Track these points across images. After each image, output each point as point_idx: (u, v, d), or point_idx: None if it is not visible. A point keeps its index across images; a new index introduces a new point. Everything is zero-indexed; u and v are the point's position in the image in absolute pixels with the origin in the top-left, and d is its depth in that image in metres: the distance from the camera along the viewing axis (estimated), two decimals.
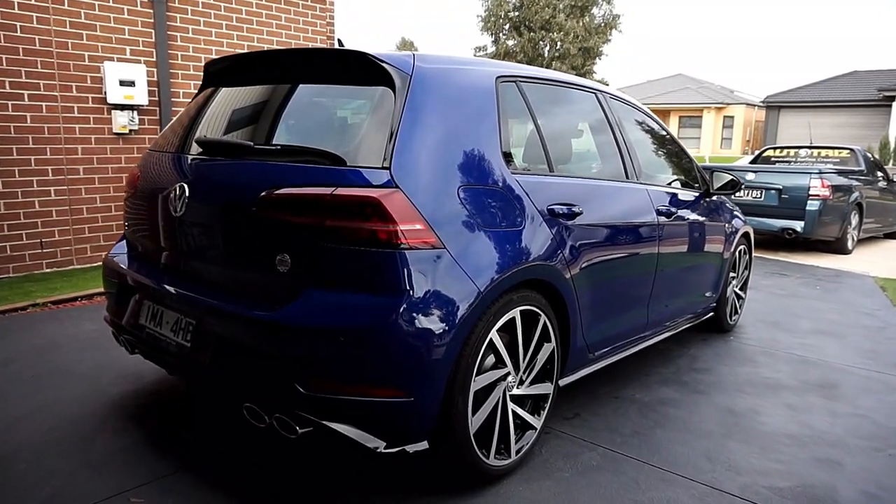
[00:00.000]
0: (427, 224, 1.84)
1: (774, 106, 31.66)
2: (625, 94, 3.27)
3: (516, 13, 29.90)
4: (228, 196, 2.03)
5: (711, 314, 4.03)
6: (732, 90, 38.11)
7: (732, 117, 35.27)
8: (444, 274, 1.86)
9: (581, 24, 27.65)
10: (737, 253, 4.14)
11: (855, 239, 8.36)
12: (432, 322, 1.82)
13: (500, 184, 2.12)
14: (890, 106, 27.34)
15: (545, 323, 2.27)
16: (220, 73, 2.53)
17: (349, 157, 1.88)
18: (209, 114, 2.44)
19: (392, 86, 1.96)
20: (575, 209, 2.39)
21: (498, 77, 2.31)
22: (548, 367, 2.36)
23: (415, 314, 1.80)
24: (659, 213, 3.02)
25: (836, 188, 7.71)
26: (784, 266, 7.14)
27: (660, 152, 3.62)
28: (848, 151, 9.25)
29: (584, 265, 2.43)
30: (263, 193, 1.89)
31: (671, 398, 3.04)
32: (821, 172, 7.67)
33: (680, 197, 3.37)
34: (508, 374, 2.15)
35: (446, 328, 1.85)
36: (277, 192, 1.87)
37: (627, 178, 2.95)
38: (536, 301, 2.21)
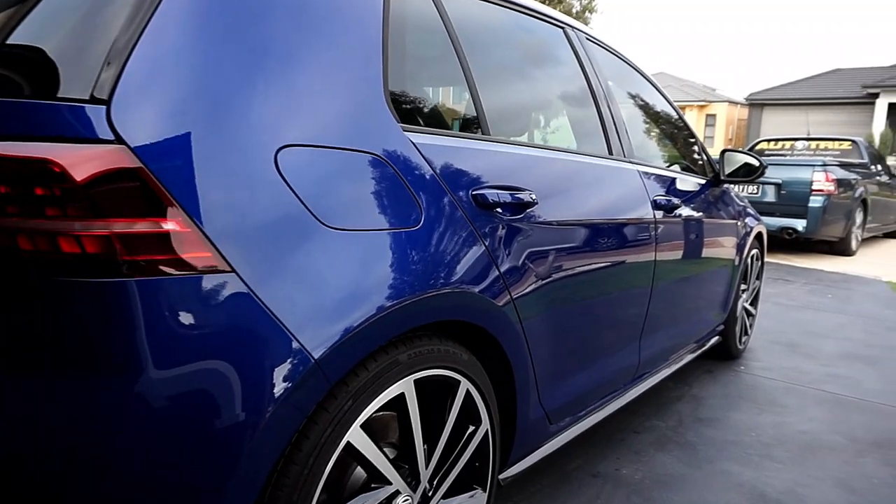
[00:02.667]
0: (193, 222, 0.87)
1: (758, 104, 31.20)
2: (607, 39, 2.32)
3: None
4: None
5: (717, 338, 3.10)
6: (714, 88, 37.57)
7: (715, 115, 34.72)
8: (231, 326, 0.89)
9: (559, 10, 26.62)
10: (748, 259, 3.22)
11: (859, 239, 7.56)
12: (199, 429, 0.86)
13: (376, 146, 1.14)
14: (873, 103, 26.98)
15: (469, 393, 1.31)
16: None
17: (35, 79, 0.91)
18: None
19: None
20: (524, 196, 1.42)
21: None
22: (477, 464, 1.40)
23: (158, 417, 0.84)
24: (656, 205, 2.08)
25: (840, 182, 6.88)
26: (786, 270, 6.29)
27: (655, 124, 2.68)
28: (849, 143, 8.44)
29: (539, 291, 1.47)
30: None
31: (673, 473, 2.10)
32: (824, 164, 6.83)
33: (683, 185, 2.43)
34: (396, 493, 1.18)
35: (233, 439, 0.88)
36: None
37: (611, 153, 2.00)
38: (450, 359, 1.24)
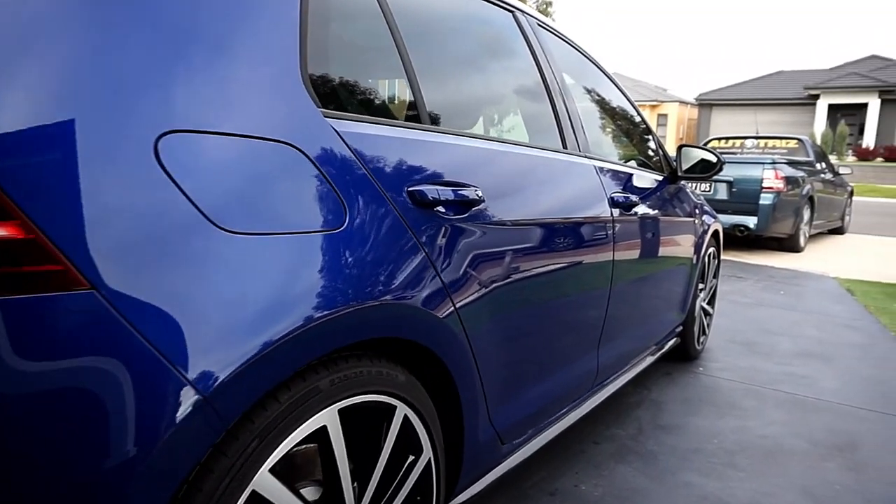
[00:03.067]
0: (37, 228, 0.68)
1: (707, 104, 32.14)
2: (560, 27, 2.19)
3: None
4: None
5: (676, 340, 3.02)
6: (665, 88, 38.45)
7: (666, 115, 35.54)
8: (88, 357, 0.70)
9: None
10: (706, 258, 3.16)
11: (807, 235, 7.71)
12: (50, 491, 0.67)
13: (289, 133, 0.96)
14: (814, 104, 28.08)
15: (407, 419, 1.14)
16: None
17: None
18: None
19: None
20: (468, 193, 1.26)
21: None
22: (419, 498, 1.23)
23: None
24: (614, 202, 1.95)
25: (788, 180, 6.99)
26: (738, 267, 6.35)
27: (610, 118, 2.57)
28: (796, 142, 8.64)
29: (487, 299, 1.31)
30: None
31: (635, 487, 1.98)
32: (774, 162, 6.93)
33: (640, 181, 2.32)
34: None
35: (96, 500, 0.70)
36: None
37: (565, 148, 1.86)
38: (383, 381, 1.07)
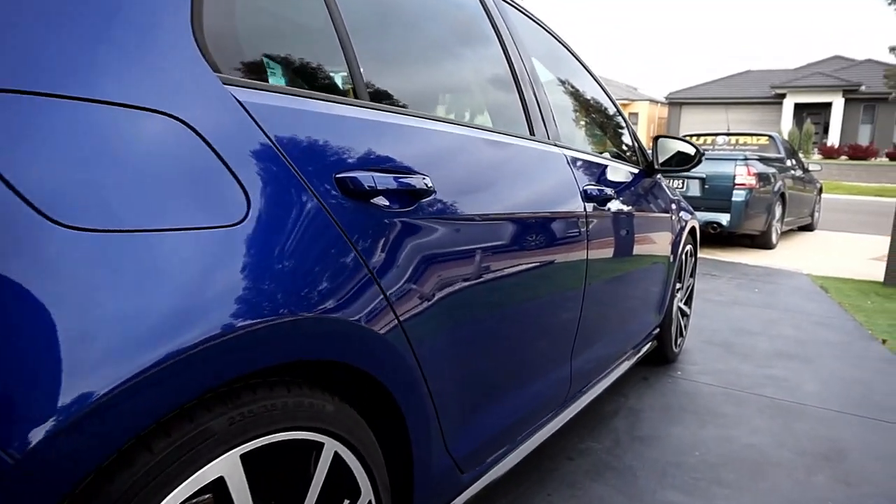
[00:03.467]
0: None
1: (676, 102, 32.50)
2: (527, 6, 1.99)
3: None
4: None
5: (653, 343, 2.86)
6: (636, 88, 38.80)
7: (637, 114, 35.81)
8: None
9: None
10: (683, 256, 3.00)
11: (779, 232, 7.69)
12: None
13: (169, 101, 0.74)
14: (781, 103, 28.56)
15: (338, 457, 0.93)
16: None
17: None
18: None
19: None
20: (415, 182, 1.06)
21: None
22: None
23: None
24: (587, 196, 1.76)
25: (760, 176, 6.95)
26: (712, 265, 6.26)
27: (582, 104, 2.38)
28: (766, 138, 8.62)
29: (438, 308, 1.10)
30: None
31: None
32: (746, 159, 6.88)
33: (616, 174, 2.14)
34: None
35: None
36: None
37: (533, 135, 1.66)
38: (304, 414, 0.86)
